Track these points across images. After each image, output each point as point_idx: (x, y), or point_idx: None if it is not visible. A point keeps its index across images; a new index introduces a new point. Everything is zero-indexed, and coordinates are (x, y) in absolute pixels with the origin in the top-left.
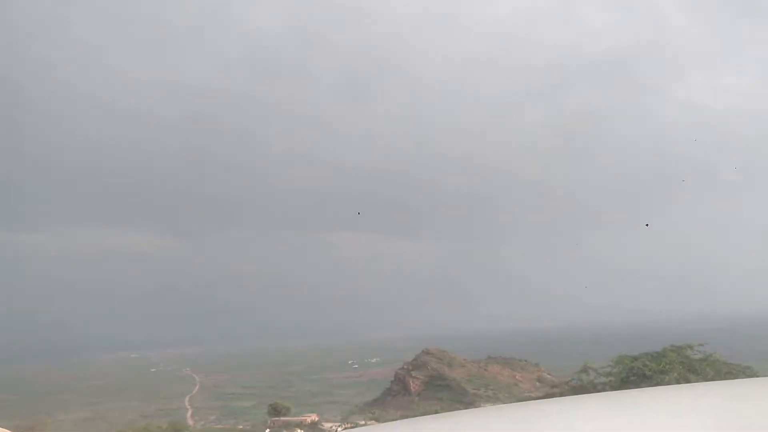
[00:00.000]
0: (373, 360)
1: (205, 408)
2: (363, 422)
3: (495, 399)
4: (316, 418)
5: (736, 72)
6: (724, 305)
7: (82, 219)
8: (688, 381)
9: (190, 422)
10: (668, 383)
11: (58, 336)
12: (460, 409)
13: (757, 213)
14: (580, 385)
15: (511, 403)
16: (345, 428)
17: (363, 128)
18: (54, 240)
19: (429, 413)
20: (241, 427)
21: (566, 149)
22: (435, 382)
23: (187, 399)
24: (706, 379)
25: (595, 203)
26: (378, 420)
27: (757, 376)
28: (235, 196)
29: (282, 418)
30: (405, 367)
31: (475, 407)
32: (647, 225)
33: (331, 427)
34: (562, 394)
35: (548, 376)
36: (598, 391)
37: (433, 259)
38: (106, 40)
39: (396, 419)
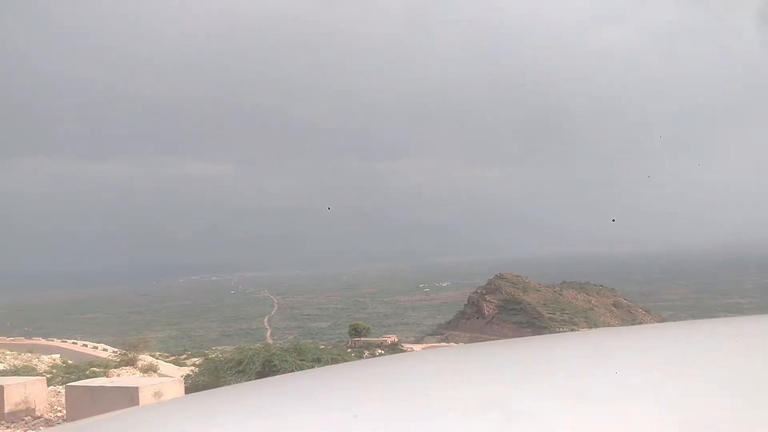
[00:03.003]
0: (444, 284)
1: (283, 328)
2: (442, 344)
3: (571, 323)
4: (396, 339)
5: None
6: None
7: (152, 150)
8: None
9: (270, 341)
10: None
11: (140, 260)
12: (531, 334)
13: None
14: None
15: (586, 328)
16: (423, 348)
17: (424, 49)
18: (128, 169)
19: (503, 336)
20: (323, 346)
21: (641, 70)
22: (509, 306)
23: (266, 319)
24: None
25: (668, 128)
26: (450, 341)
27: None
28: (295, 128)
29: (363, 339)
30: (478, 290)
31: (554, 332)
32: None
33: (411, 347)
34: None
35: (624, 300)
36: None
37: (500, 186)
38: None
39: (470, 341)
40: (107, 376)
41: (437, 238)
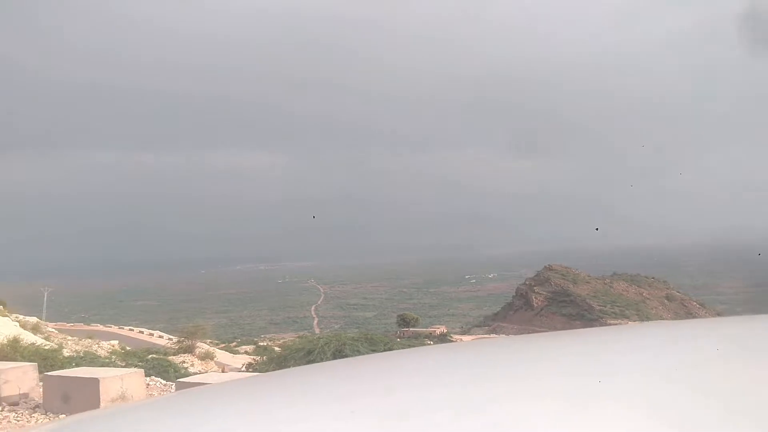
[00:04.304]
0: (491, 275)
1: (329, 317)
2: (491, 335)
3: (622, 316)
4: (445, 330)
5: None
6: None
7: (199, 143)
8: None
9: (317, 330)
10: None
11: (190, 249)
12: (581, 326)
13: None
14: None
15: (637, 321)
16: (473, 339)
17: (468, 39)
18: (175, 160)
19: (552, 329)
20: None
21: (695, 58)
22: (558, 297)
23: (312, 308)
24: None
25: (730, 115)
26: (499, 333)
27: None
28: (348, 118)
29: (411, 329)
30: (527, 282)
31: (601, 324)
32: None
33: (460, 338)
34: None
35: (677, 293)
36: None
37: (548, 177)
38: None
39: (518, 333)
40: (221, 371)
41: (483, 229)
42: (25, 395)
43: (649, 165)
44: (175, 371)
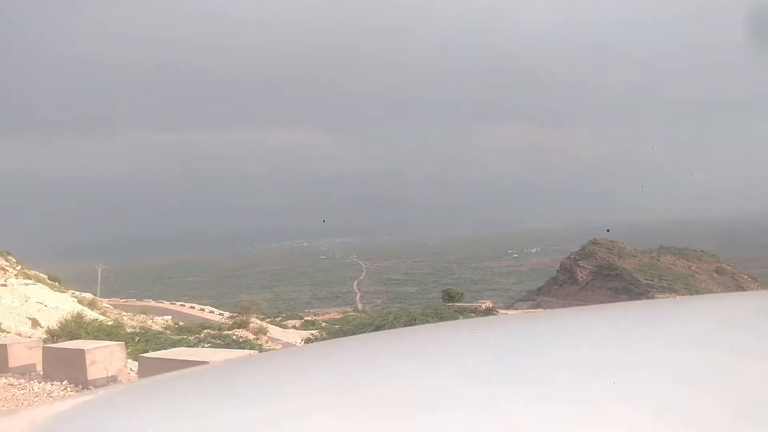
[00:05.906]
0: (533, 250)
1: (372, 292)
2: (538, 310)
3: (670, 290)
4: (491, 305)
5: None
6: None
7: (246, 121)
8: None
9: (359, 305)
10: None
11: (235, 225)
12: (627, 300)
13: None
14: None
15: (687, 295)
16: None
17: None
18: (224, 139)
19: (598, 303)
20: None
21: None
22: (604, 272)
23: (355, 284)
24: None
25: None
26: (544, 308)
27: None
28: (388, 94)
29: (456, 304)
30: (571, 256)
31: (648, 298)
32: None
33: (506, 313)
34: None
35: (727, 267)
36: None
37: (591, 150)
38: None
39: (563, 307)
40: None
41: (526, 202)
42: (113, 378)
43: (692, 140)
44: (251, 348)
